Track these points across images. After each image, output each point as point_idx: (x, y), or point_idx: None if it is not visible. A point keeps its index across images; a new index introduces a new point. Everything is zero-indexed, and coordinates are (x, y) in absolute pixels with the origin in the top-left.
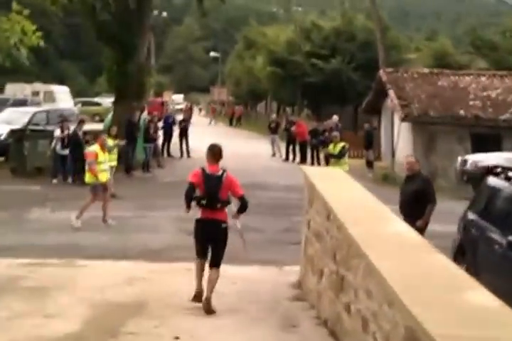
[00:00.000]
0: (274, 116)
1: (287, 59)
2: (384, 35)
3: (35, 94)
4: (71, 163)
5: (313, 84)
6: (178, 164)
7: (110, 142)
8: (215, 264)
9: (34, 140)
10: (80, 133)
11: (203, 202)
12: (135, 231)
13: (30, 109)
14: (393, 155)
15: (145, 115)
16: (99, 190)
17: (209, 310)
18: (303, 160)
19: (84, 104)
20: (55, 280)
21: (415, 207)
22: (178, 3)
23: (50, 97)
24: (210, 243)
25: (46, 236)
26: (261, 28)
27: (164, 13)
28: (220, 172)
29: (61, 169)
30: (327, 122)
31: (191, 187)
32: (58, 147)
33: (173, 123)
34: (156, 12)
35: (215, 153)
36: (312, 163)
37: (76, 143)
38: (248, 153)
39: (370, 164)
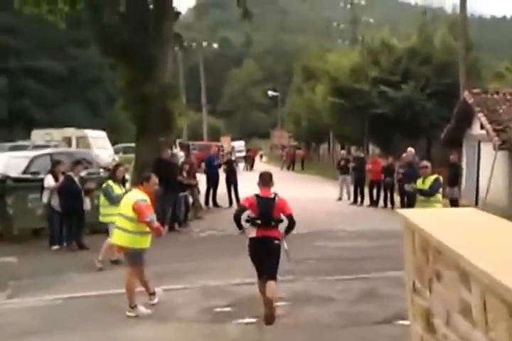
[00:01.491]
0: (343, 152)
1: (351, 87)
2: (468, 54)
3: (66, 139)
4: (63, 222)
5: (381, 116)
6: (222, 215)
7: (117, 190)
8: (271, 277)
9: (21, 193)
10: (77, 179)
11: (258, 221)
12: (133, 320)
13: (31, 153)
14: (477, 191)
15: (179, 154)
16: (143, 259)
17: (271, 317)
18: (374, 203)
19: (126, 150)
20: None
21: None
22: (237, 44)
23: (83, 143)
24: (265, 259)
25: None
26: (322, 54)
27: (215, 45)
28: (272, 196)
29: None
30: (404, 156)
31: (242, 209)
32: (54, 202)
33: (219, 166)
34: (205, 43)
35: (265, 179)
36: (385, 206)
37: (71, 193)
38: (310, 197)
39: (455, 203)
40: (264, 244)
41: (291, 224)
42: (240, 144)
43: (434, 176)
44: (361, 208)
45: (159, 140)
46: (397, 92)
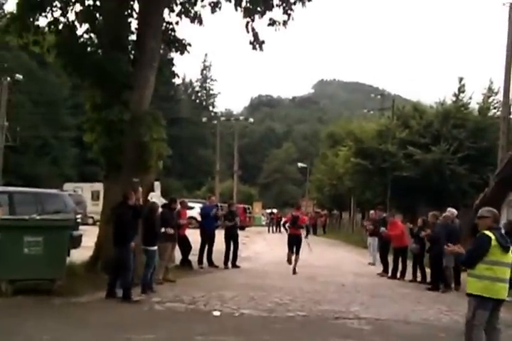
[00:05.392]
0: (372, 212)
1: (376, 148)
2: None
3: (95, 193)
4: None
5: (406, 180)
6: (203, 279)
7: None
8: (297, 253)
9: None
10: None
11: (290, 225)
12: None
13: None
14: None
15: (154, 197)
16: None
17: (294, 272)
18: (401, 275)
19: None
20: None
21: None
22: (279, 130)
23: None
24: (294, 245)
25: None
26: (349, 121)
27: (251, 120)
28: (298, 214)
29: None
30: (444, 215)
31: (285, 222)
32: None
33: (216, 218)
34: (242, 117)
35: (297, 205)
36: (414, 278)
37: None
38: (325, 262)
39: None
40: (294, 237)
41: (307, 230)
42: (273, 211)
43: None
44: (383, 280)
45: (132, 181)
46: (426, 154)
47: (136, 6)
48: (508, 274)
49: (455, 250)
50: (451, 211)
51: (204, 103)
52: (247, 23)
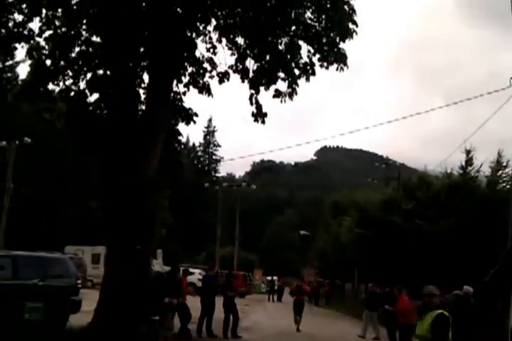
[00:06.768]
0: (370, 285)
1: (381, 219)
2: None
3: (96, 256)
4: None
5: (413, 252)
6: None
7: None
8: (300, 316)
9: None
10: None
11: (295, 292)
12: None
13: None
14: None
15: (157, 265)
16: None
17: (298, 330)
18: None
19: None
20: None
21: None
22: (282, 196)
23: None
24: (298, 308)
25: None
26: (353, 191)
27: (253, 186)
28: (301, 283)
29: None
30: (454, 293)
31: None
32: None
33: (216, 288)
34: (244, 184)
35: (302, 277)
36: None
37: None
38: (327, 335)
39: None
40: (299, 302)
41: (308, 295)
42: (273, 278)
43: (437, 312)
44: None
45: (136, 248)
46: (434, 227)
47: (145, 77)
48: None
49: None
50: (466, 289)
51: (206, 168)
52: (252, 95)
